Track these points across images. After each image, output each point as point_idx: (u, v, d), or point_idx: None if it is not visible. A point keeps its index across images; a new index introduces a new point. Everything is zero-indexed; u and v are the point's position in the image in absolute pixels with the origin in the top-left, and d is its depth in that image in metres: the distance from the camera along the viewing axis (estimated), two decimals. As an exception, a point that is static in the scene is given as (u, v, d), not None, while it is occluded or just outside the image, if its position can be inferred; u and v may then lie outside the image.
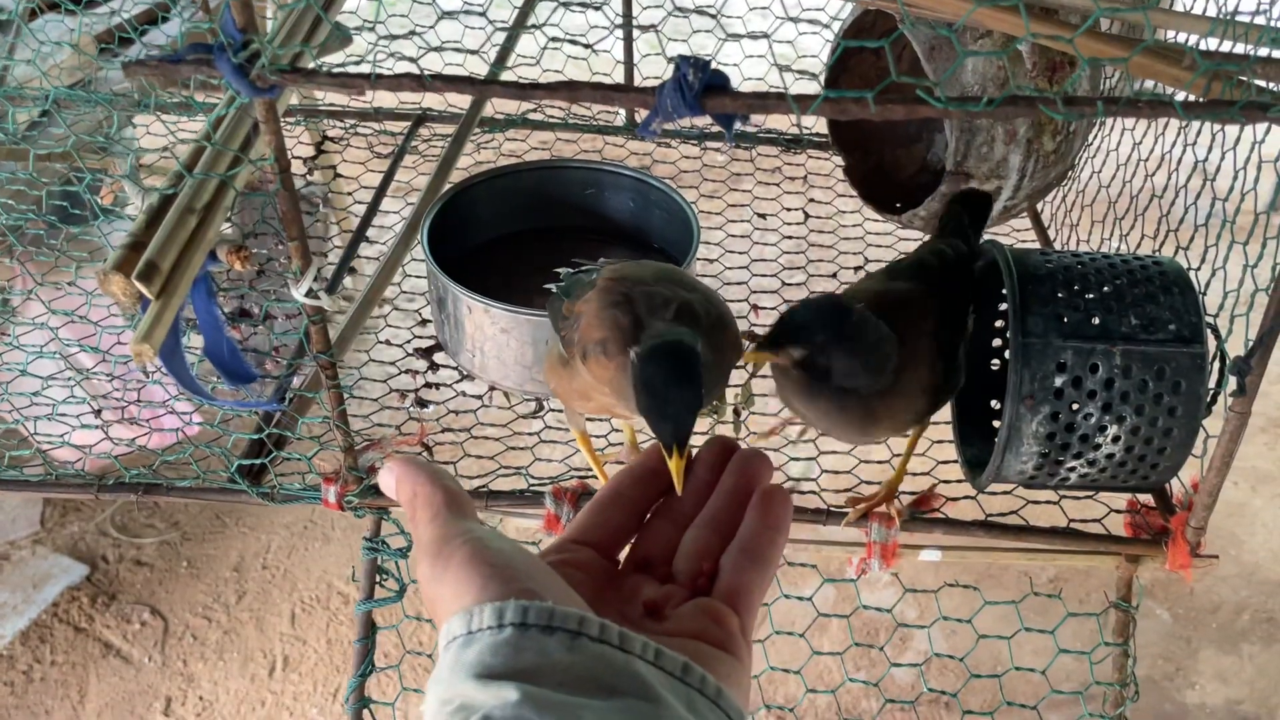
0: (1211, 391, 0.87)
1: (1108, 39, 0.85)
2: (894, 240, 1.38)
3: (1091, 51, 0.82)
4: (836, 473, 1.04)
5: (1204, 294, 0.90)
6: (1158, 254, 0.97)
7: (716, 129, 1.45)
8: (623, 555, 0.47)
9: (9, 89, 1.31)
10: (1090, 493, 0.98)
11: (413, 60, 0.78)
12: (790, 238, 1.40)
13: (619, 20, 1.48)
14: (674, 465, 0.74)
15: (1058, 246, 1.32)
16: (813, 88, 1.31)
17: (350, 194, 1.50)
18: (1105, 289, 0.89)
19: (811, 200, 1.45)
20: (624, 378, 0.82)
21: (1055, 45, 0.96)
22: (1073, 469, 0.90)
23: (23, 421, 1.11)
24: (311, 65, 0.92)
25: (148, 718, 1.61)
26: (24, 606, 1.75)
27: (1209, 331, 0.88)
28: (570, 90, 0.71)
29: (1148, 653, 1.67)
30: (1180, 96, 0.82)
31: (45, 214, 1.08)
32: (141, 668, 1.67)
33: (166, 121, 1.27)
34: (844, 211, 1.32)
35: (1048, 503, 1.00)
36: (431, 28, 1.02)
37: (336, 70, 0.70)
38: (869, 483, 1.02)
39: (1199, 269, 0.92)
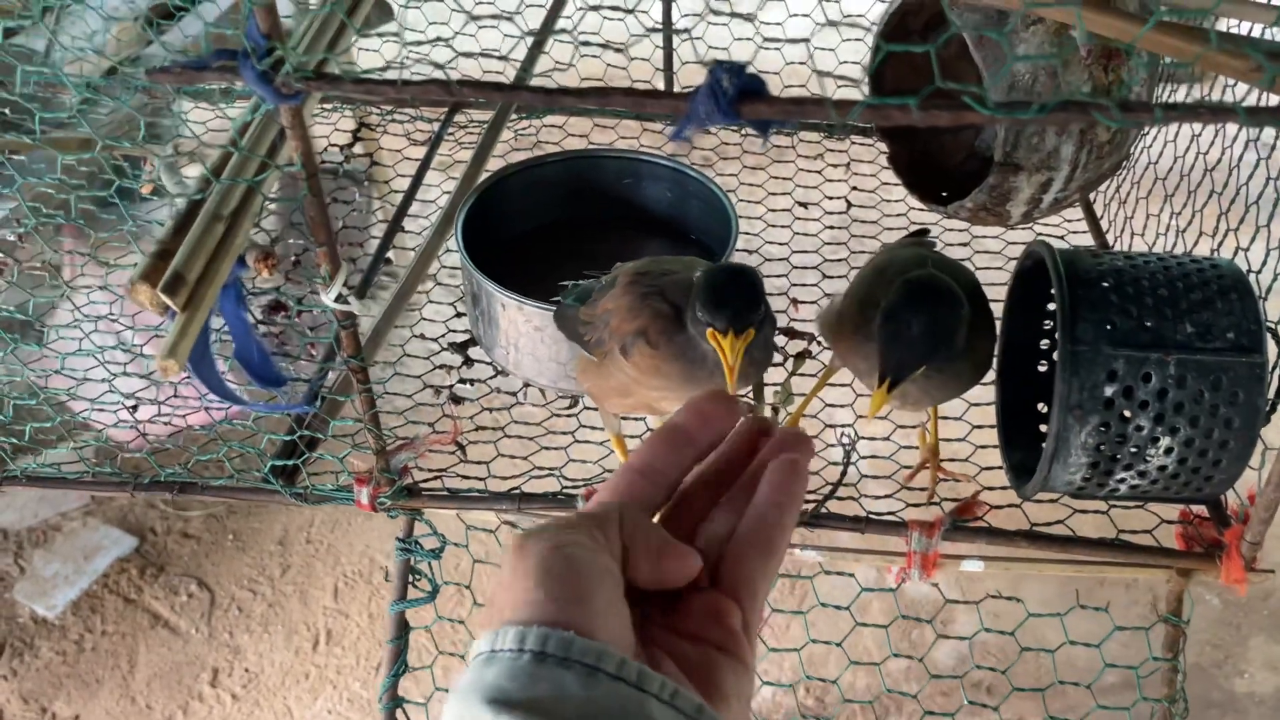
0: (1271, 402, 0.84)
1: (1169, 29, 0.80)
2: (940, 230, 1.34)
3: (1154, 46, 0.78)
4: (876, 478, 1.01)
5: (1264, 299, 0.86)
6: (1215, 256, 0.93)
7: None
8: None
9: (55, 73, 1.30)
10: (1140, 503, 0.95)
11: (439, 66, 0.76)
12: (832, 227, 1.36)
13: (655, 25, 1.44)
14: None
15: (1110, 239, 1.28)
16: (856, 80, 1.27)
17: (392, 167, 1.49)
18: (1159, 293, 0.86)
19: (855, 189, 1.41)
20: (675, 361, 0.83)
21: (1113, 39, 0.92)
22: (1123, 480, 0.87)
23: (80, 410, 1.11)
24: (337, 70, 0.91)
25: (195, 688, 1.63)
26: (75, 577, 1.78)
27: (1269, 339, 0.84)
28: (601, 96, 0.68)
29: (1196, 639, 1.63)
30: (1241, 89, 0.78)
31: (81, 208, 1.08)
32: (189, 639, 1.69)
33: (205, 108, 1.27)
34: (888, 200, 1.28)
35: (1095, 511, 0.96)
36: (473, 35, 0.99)
37: (363, 76, 0.68)
38: (910, 488, 0.99)
39: (1259, 272, 0.88)
